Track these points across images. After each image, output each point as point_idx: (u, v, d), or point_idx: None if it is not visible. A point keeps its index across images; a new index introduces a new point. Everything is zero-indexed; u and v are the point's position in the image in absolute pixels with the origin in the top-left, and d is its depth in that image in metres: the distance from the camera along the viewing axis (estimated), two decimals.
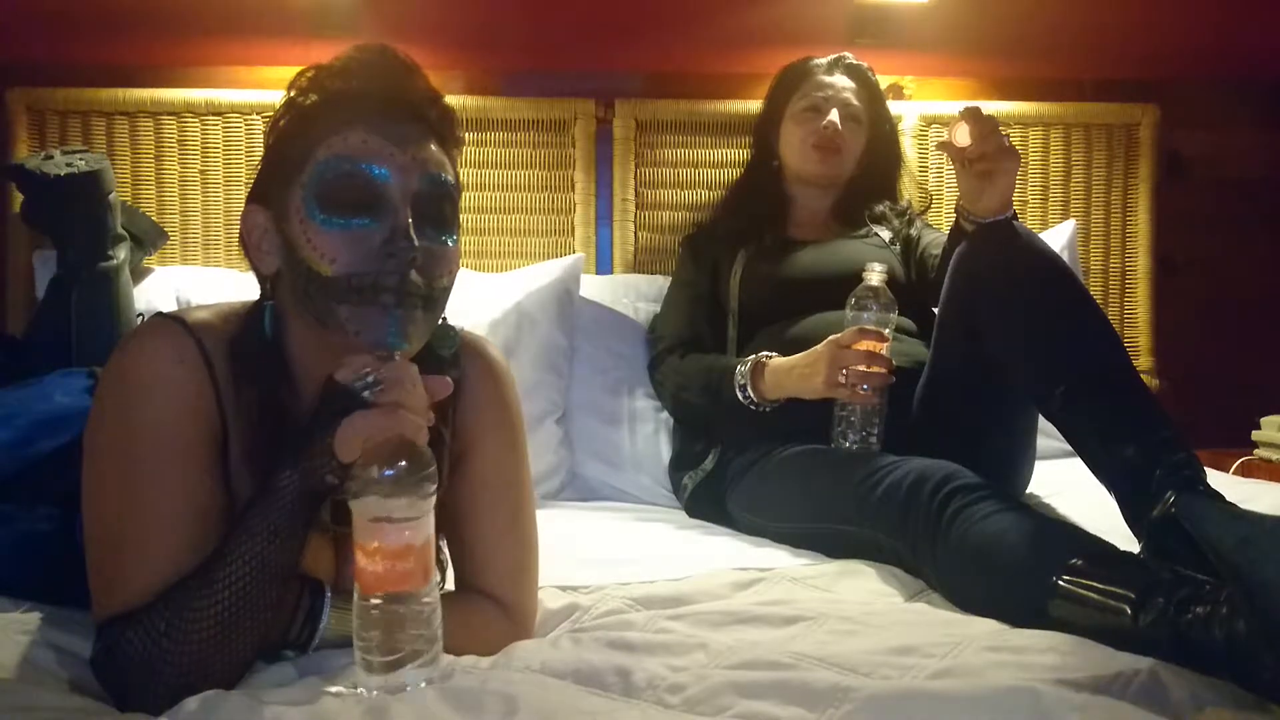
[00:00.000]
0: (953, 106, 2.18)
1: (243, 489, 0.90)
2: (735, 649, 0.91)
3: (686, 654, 0.91)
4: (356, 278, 0.86)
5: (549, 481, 1.78)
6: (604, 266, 2.17)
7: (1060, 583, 1.00)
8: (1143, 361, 2.20)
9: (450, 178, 0.93)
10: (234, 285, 1.87)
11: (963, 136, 1.36)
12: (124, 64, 2.09)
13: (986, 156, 1.35)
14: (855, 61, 1.86)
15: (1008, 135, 1.37)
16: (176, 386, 0.88)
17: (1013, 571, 1.06)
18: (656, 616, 1.03)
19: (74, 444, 0.96)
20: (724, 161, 2.16)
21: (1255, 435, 2.07)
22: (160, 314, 0.93)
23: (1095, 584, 0.98)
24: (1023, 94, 2.24)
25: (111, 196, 1.79)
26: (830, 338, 1.46)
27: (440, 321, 0.97)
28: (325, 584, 0.91)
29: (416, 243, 0.87)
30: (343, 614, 0.88)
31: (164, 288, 1.90)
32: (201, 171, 2.08)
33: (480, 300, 1.85)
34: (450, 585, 1.06)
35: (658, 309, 1.93)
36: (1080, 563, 1.00)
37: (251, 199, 0.94)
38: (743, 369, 1.57)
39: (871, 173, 1.88)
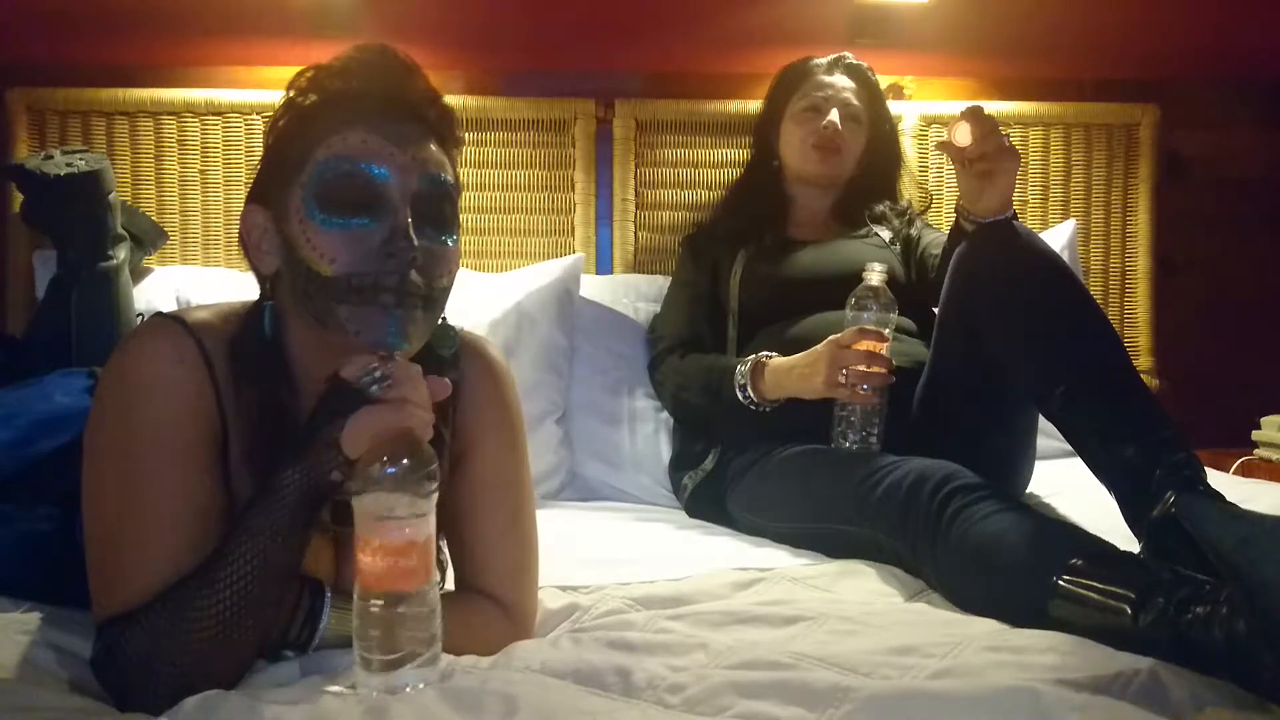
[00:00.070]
0: (953, 106, 2.18)
1: (243, 489, 0.90)
2: (735, 649, 0.91)
3: (686, 654, 0.91)
4: (356, 278, 0.86)
5: (549, 481, 1.78)
6: (604, 266, 2.17)
7: (1060, 583, 1.00)
8: (1143, 361, 2.20)
9: (450, 178, 0.93)
10: (234, 285, 1.87)
11: (962, 136, 1.36)
12: (124, 64, 2.09)
13: (987, 156, 1.35)
14: (855, 61, 1.86)
15: (1008, 135, 1.37)
16: (176, 386, 0.88)
17: (1013, 571, 1.06)
18: (656, 616, 1.03)
19: (74, 444, 0.96)
20: (724, 161, 2.16)
21: (1255, 435, 2.07)
22: (160, 314, 0.93)
23: (1095, 584, 0.98)
24: (1023, 94, 2.24)
25: (111, 196, 1.79)
26: (830, 338, 1.46)
27: (440, 321, 0.97)
28: (325, 584, 0.91)
29: (416, 243, 0.87)
30: (343, 614, 0.88)
31: (164, 288, 1.90)
32: (201, 171, 2.08)
33: (480, 300, 1.85)
34: (450, 585, 1.06)
35: (658, 309, 1.93)
36: (1080, 563, 1.00)
37: (251, 199, 0.94)
38: (743, 369, 1.57)
39: (871, 173, 1.88)
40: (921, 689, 0.80)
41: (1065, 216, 2.23)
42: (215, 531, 0.86)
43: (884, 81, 1.95)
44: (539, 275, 1.93)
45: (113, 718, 0.81)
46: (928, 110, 2.20)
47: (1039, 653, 0.89)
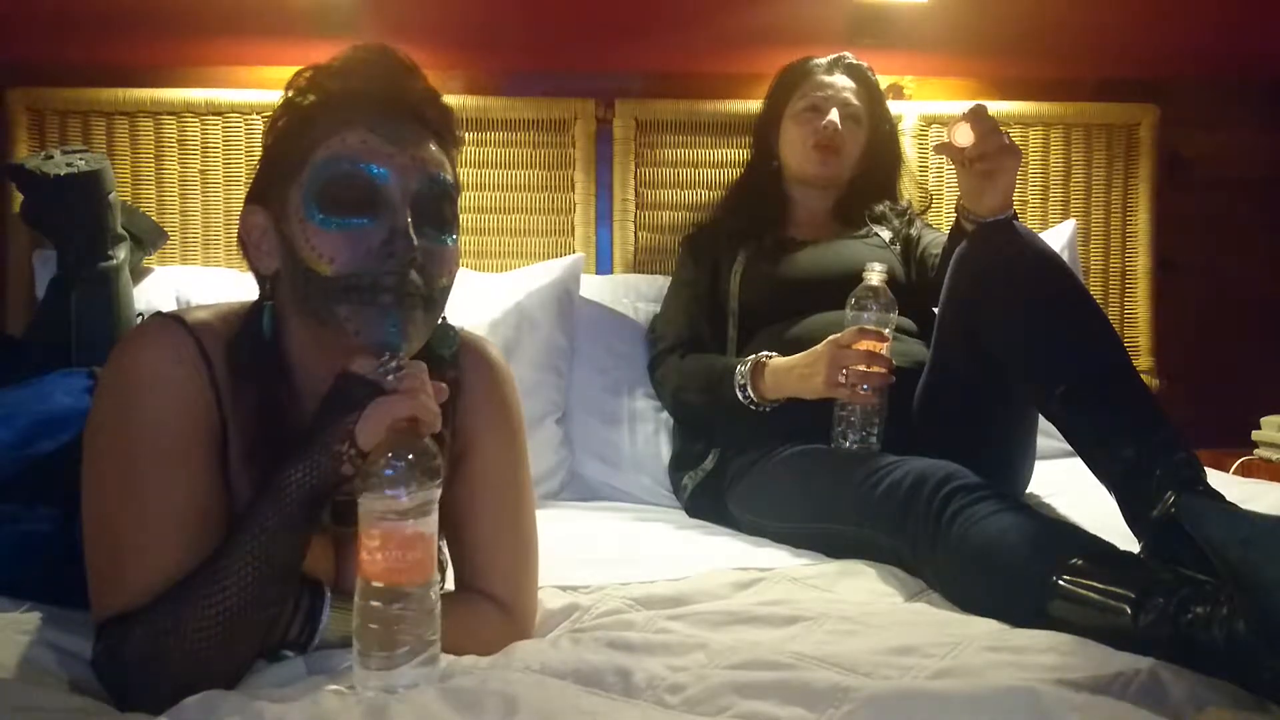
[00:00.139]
0: (953, 106, 2.18)
1: (242, 489, 0.90)
2: (735, 649, 0.91)
3: (686, 654, 0.91)
4: (356, 278, 0.86)
5: (549, 481, 1.78)
6: (604, 266, 2.17)
7: (1060, 583, 1.00)
8: (1143, 361, 2.20)
9: (449, 177, 0.93)
10: (234, 285, 1.87)
11: (963, 137, 1.36)
12: (124, 64, 2.09)
13: (988, 156, 1.35)
14: (855, 61, 1.86)
15: (1007, 134, 1.37)
16: (176, 386, 0.88)
17: (1013, 571, 1.06)
18: (656, 616, 1.03)
19: (74, 444, 0.96)
20: (724, 161, 2.16)
21: (1255, 435, 2.07)
22: (160, 314, 0.93)
23: (1095, 584, 0.98)
24: (1023, 94, 2.24)
25: (111, 196, 1.79)
26: (830, 338, 1.46)
27: (440, 321, 0.97)
28: (325, 584, 0.91)
29: (416, 243, 0.87)
30: (342, 614, 0.88)
31: (164, 288, 1.90)
32: (201, 171, 2.08)
33: (480, 300, 1.85)
34: (450, 585, 1.06)
35: (658, 309, 1.93)
36: (1080, 563, 1.00)
37: (250, 199, 0.94)
38: (743, 369, 1.57)
39: (871, 173, 1.88)
40: (921, 689, 0.80)
41: (1065, 216, 2.23)
42: (215, 531, 0.86)
43: (884, 81, 1.95)
44: (539, 275, 1.93)
45: (113, 718, 0.81)
46: (928, 110, 2.20)
47: (1039, 653, 0.89)
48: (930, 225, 1.88)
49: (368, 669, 0.81)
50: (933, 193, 2.11)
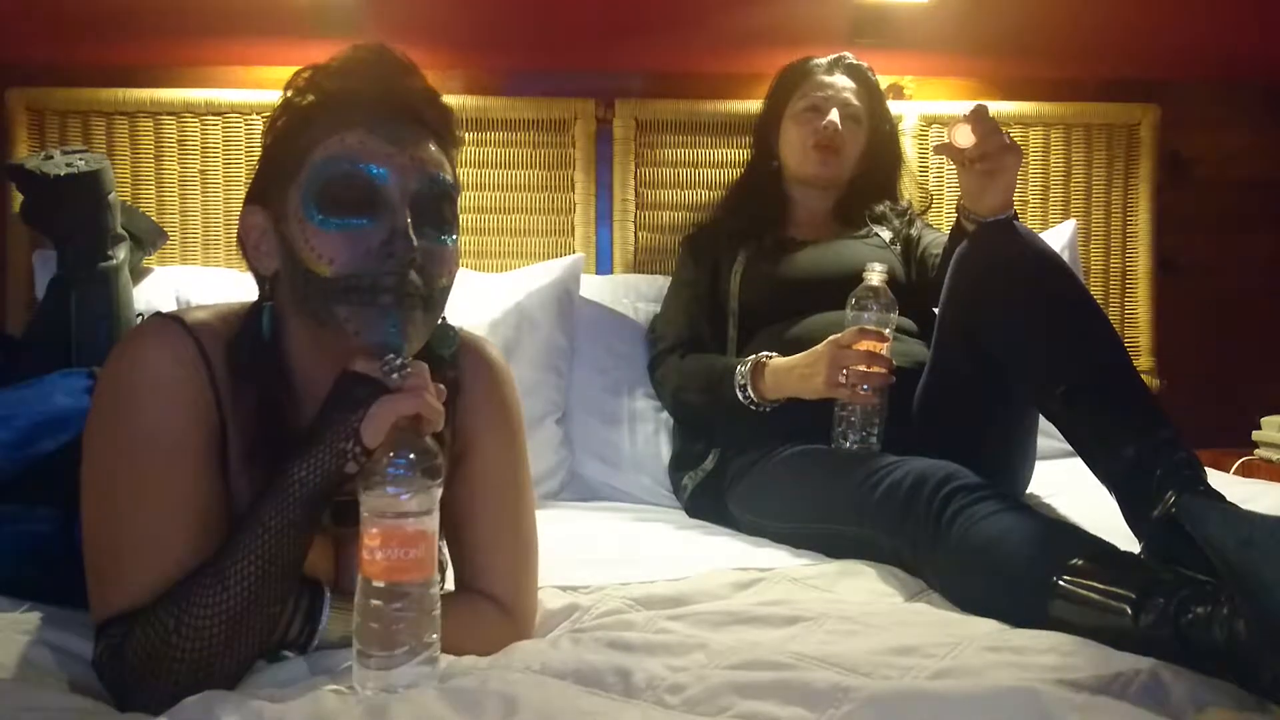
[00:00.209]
0: (953, 106, 2.19)
1: (243, 489, 0.90)
2: (735, 649, 0.91)
3: (686, 654, 0.91)
4: (355, 278, 0.86)
5: (549, 481, 1.78)
6: (604, 266, 2.17)
7: (1060, 583, 1.00)
8: (1143, 361, 2.20)
9: (449, 178, 0.93)
10: (234, 285, 1.87)
11: (963, 138, 1.36)
12: (124, 64, 2.09)
13: (988, 156, 1.35)
14: (855, 61, 1.86)
15: (1008, 134, 1.37)
16: (176, 387, 0.88)
17: (1013, 572, 1.06)
18: (656, 617, 1.03)
19: (74, 444, 0.96)
20: (724, 161, 2.16)
21: (1255, 435, 2.08)
22: (159, 314, 0.93)
23: (1096, 584, 0.98)
24: (1023, 94, 2.24)
25: (111, 196, 1.79)
26: (830, 338, 1.46)
27: (440, 321, 0.97)
28: (325, 584, 0.91)
29: (415, 243, 0.87)
30: (342, 614, 0.88)
31: (164, 288, 1.90)
32: (201, 171, 2.08)
33: (480, 300, 1.85)
34: (450, 585, 1.06)
35: (658, 309, 1.93)
36: (1080, 563, 1.00)
37: (249, 199, 0.94)
38: (743, 369, 1.57)
39: (872, 173, 1.88)
40: (921, 689, 0.80)
41: (1065, 216, 2.23)
42: (215, 531, 0.86)
43: (884, 81, 1.95)
44: (539, 275, 1.93)
45: (113, 718, 0.81)
46: (928, 110, 2.20)
47: (1039, 653, 0.89)
48: (930, 225, 1.88)
49: (367, 668, 0.81)
50: (933, 193, 2.11)
